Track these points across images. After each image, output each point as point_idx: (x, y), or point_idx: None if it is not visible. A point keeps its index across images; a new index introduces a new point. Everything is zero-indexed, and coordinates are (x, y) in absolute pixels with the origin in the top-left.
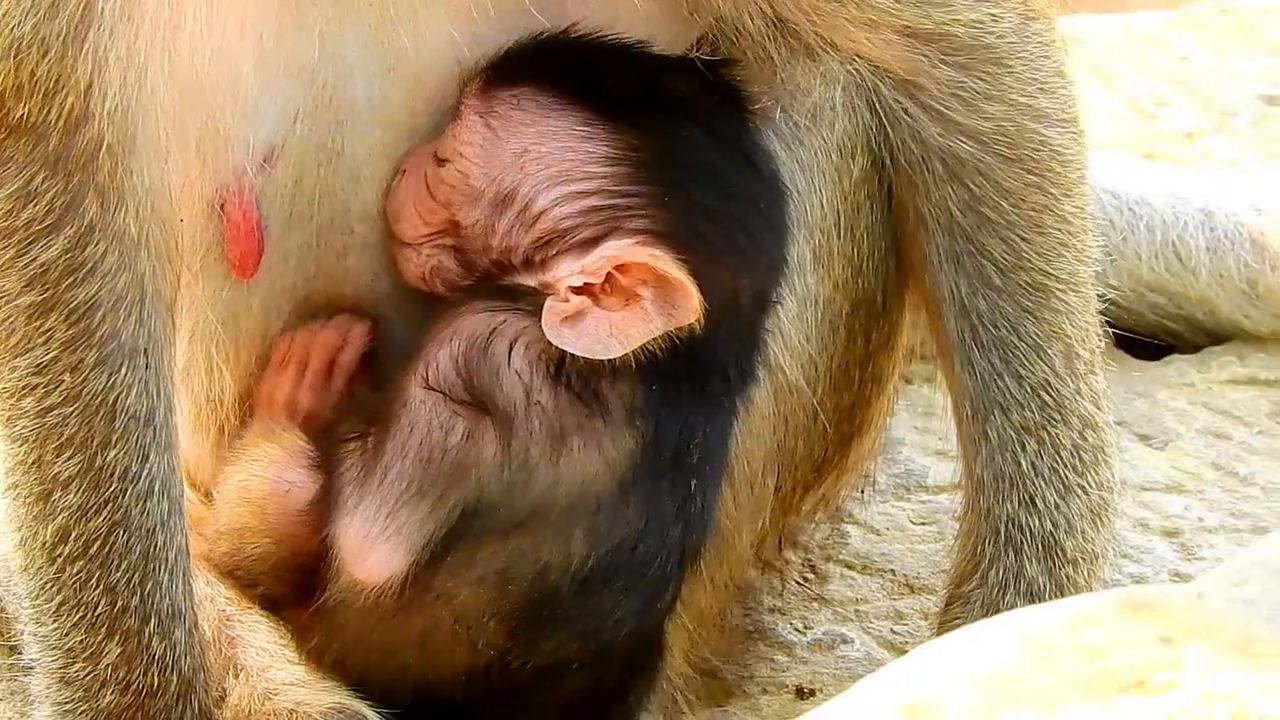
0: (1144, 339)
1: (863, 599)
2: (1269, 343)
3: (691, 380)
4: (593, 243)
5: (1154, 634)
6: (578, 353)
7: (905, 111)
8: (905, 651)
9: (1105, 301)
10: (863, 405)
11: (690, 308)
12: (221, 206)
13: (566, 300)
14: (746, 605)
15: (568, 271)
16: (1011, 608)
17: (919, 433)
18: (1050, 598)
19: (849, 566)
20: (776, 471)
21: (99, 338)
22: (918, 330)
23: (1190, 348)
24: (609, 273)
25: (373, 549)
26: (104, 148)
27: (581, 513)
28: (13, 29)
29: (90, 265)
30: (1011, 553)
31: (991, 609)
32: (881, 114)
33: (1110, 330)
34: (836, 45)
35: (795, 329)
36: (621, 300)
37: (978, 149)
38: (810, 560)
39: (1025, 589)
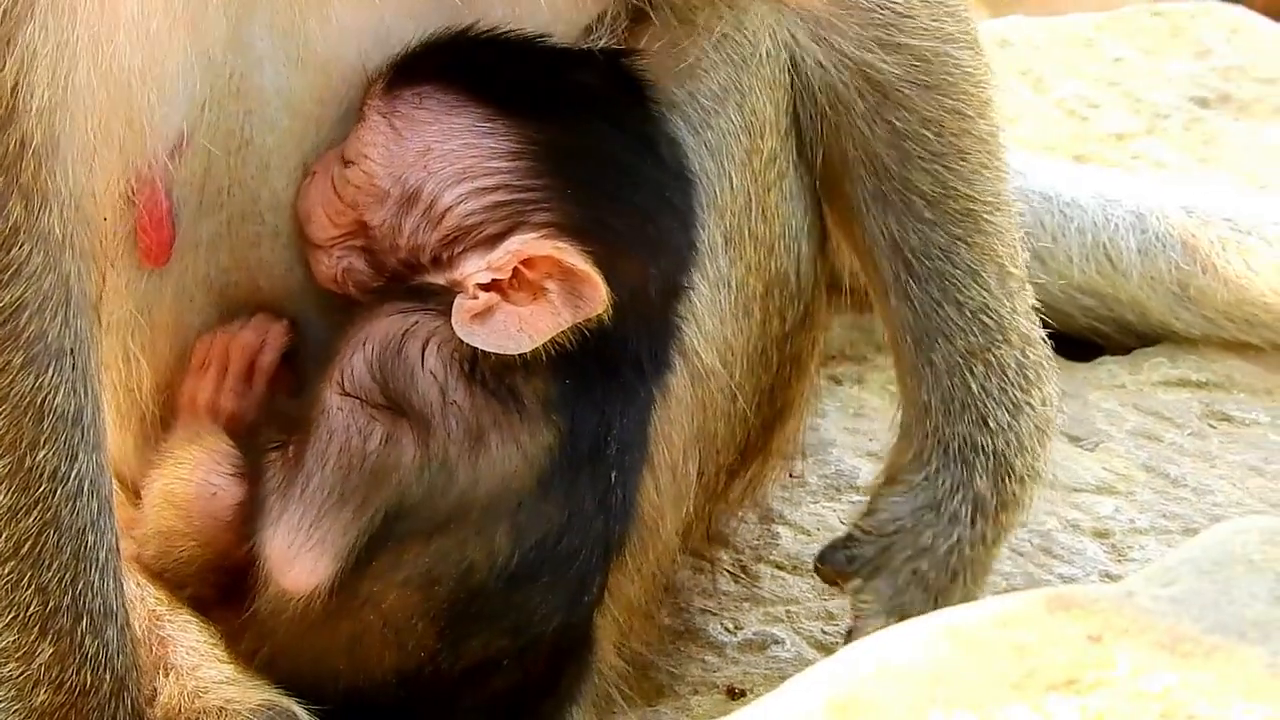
0: (1075, 340)
1: (793, 599)
2: (1200, 345)
3: (605, 372)
4: (498, 238)
5: (1083, 632)
6: (489, 349)
7: (825, 51)
8: (836, 652)
9: (1036, 302)
10: (782, 387)
11: (597, 298)
12: (132, 195)
13: (475, 297)
14: (677, 605)
15: (475, 268)
16: (957, 514)
17: (850, 434)
18: (997, 512)
19: (779, 567)
20: (698, 456)
21: (25, 339)
22: (845, 332)
23: (1121, 349)
24: (515, 267)
25: (298, 559)
26: (29, 148)
27: (503, 510)
28: None
29: (15, 267)
30: (962, 467)
31: (937, 508)
32: (802, 62)
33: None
34: None
35: (709, 313)
36: (529, 295)
37: (897, 77)
38: (741, 560)
39: (972, 500)
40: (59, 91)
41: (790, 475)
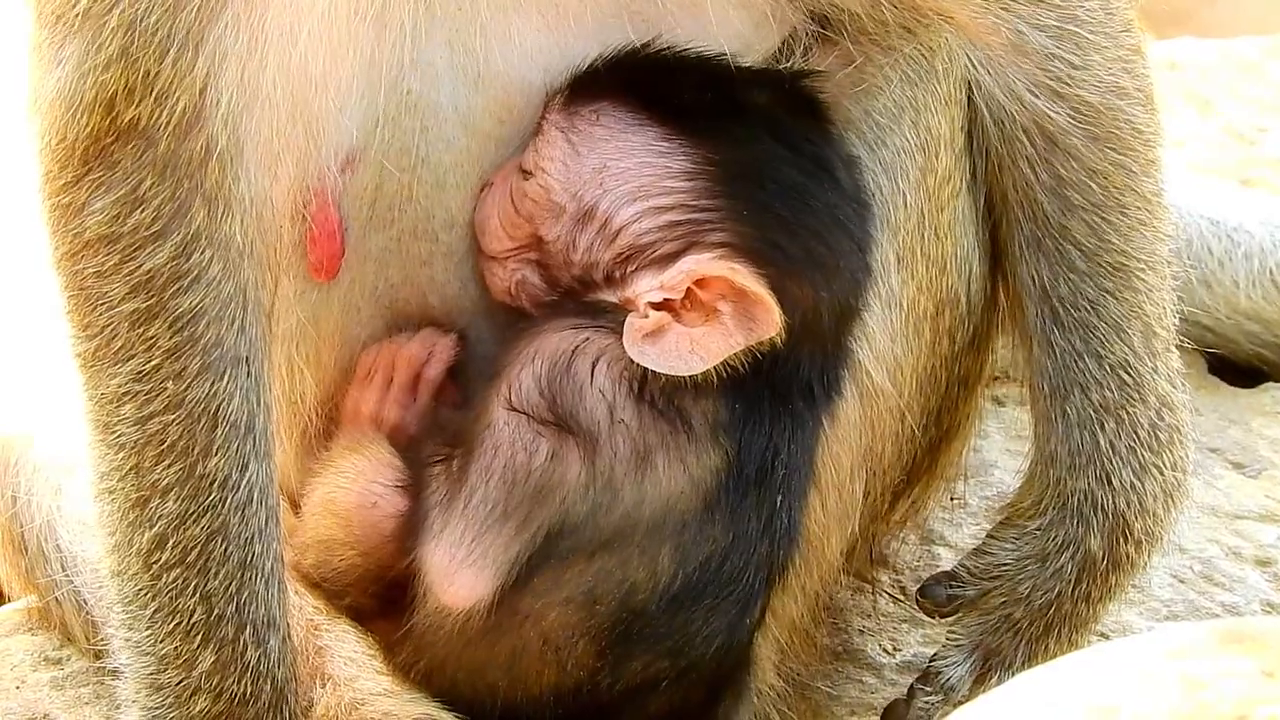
0: (1239, 366)
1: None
2: None
3: (775, 396)
4: (672, 258)
5: (1256, 666)
6: (659, 370)
7: (1004, 86)
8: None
9: (1200, 328)
10: (950, 408)
11: (770, 321)
12: (304, 208)
13: (647, 316)
14: (836, 626)
15: (647, 287)
16: (1062, 570)
17: (1011, 456)
18: (1107, 572)
19: None
20: (865, 476)
21: (203, 346)
22: (1009, 353)
23: None
24: (689, 288)
25: (459, 574)
26: (214, 153)
27: (668, 531)
28: (129, 26)
29: (195, 273)
30: (1078, 523)
31: (1042, 560)
32: (976, 89)
33: (1205, 356)
34: (927, 14)
35: (880, 332)
36: (701, 315)
37: (1069, 125)
38: (900, 581)
39: (1081, 557)
40: (246, 95)
41: (951, 497)
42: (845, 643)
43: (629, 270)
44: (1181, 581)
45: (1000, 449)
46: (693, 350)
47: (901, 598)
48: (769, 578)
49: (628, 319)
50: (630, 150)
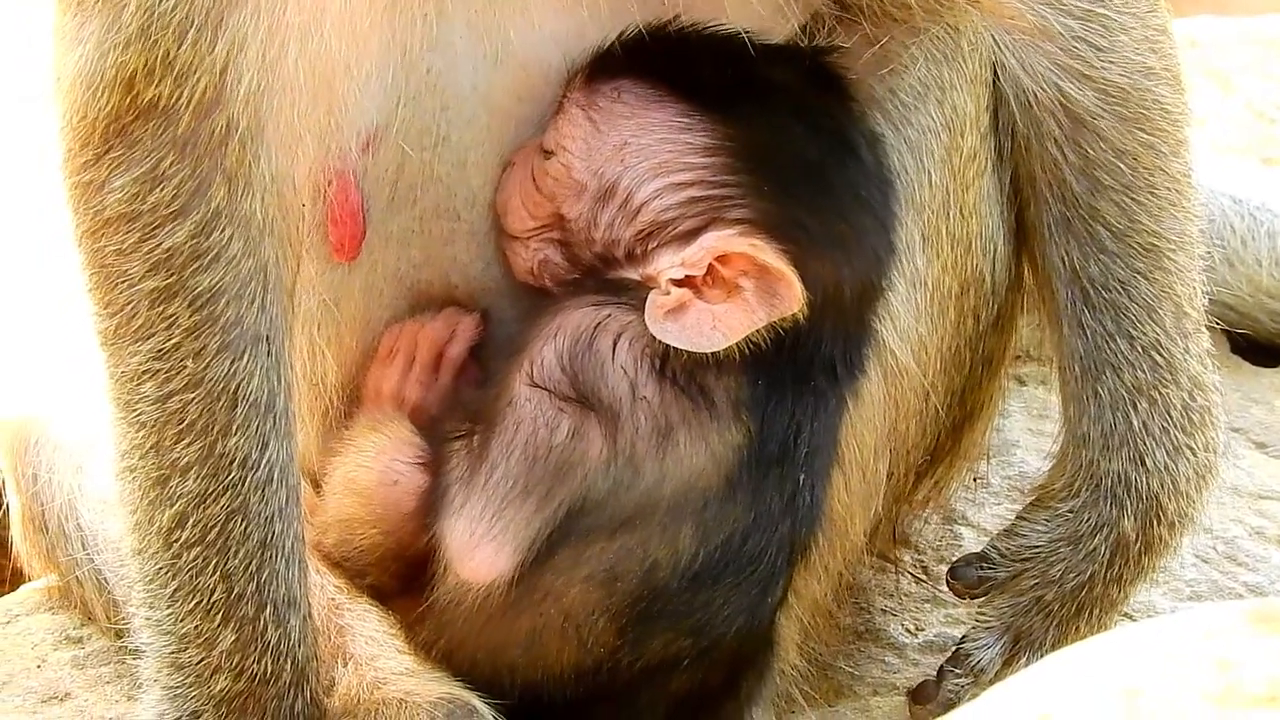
0: (1262, 345)
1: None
2: None
3: (797, 373)
4: (693, 234)
5: None
6: (681, 346)
7: (1029, 69)
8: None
9: (1223, 306)
10: (974, 388)
11: (793, 297)
12: (325, 189)
13: (668, 293)
14: (858, 605)
15: (669, 264)
16: (1095, 552)
17: (1033, 435)
18: (1140, 554)
19: None
20: (889, 456)
21: (222, 324)
22: (1031, 332)
23: None
24: (710, 264)
25: (479, 549)
26: (234, 132)
27: (689, 509)
28: (148, 8)
29: (215, 251)
30: (1111, 505)
31: (1075, 543)
32: (1002, 70)
33: (1227, 336)
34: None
35: (905, 311)
36: (723, 292)
37: (1097, 106)
38: (923, 561)
39: (1115, 539)
40: (266, 76)
41: (973, 476)
42: (867, 622)
43: (650, 247)
44: (1205, 561)
45: (1022, 428)
46: (714, 326)
47: (924, 577)
48: (791, 557)
49: (649, 295)
50: (651, 127)
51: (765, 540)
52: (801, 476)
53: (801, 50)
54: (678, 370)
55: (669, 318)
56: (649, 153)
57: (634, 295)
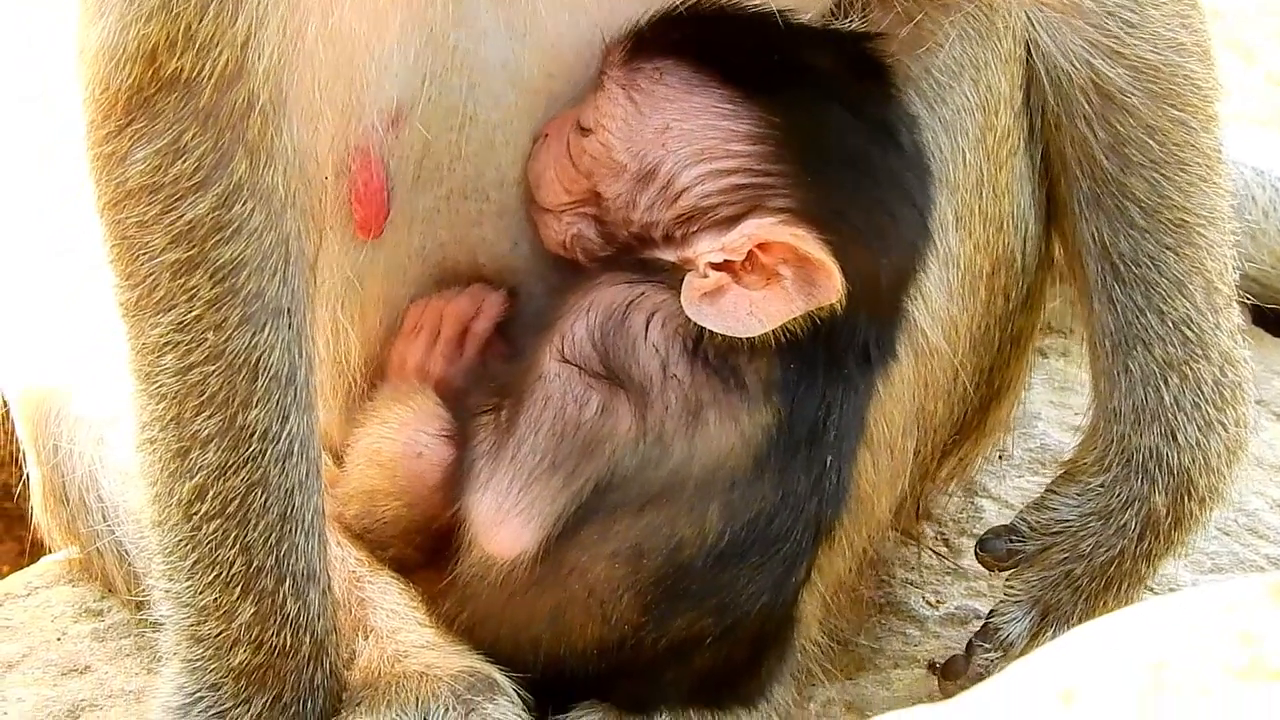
0: None
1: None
2: None
3: (829, 358)
4: (734, 220)
5: None
6: (716, 329)
7: (1061, 46)
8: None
9: (1245, 278)
10: (1001, 366)
11: (832, 288)
12: (350, 166)
13: (706, 276)
14: (879, 578)
15: (708, 248)
16: (1125, 527)
17: (1055, 407)
18: (1170, 530)
19: None
20: (916, 435)
21: (244, 297)
22: (1053, 302)
23: None
24: (750, 251)
25: (505, 523)
26: (256, 106)
27: (717, 488)
28: None
29: (237, 224)
30: (1142, 480)
31: (1106, 517)
32: (1035, 55)
33: (1249, 308)
34: None
35: (936, 290)
36: (762, 279)
37: (1129, 82)
38: (944, 534)
39: (1145, 514)
40: (288, 50)
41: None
42: (889, 595)
43: (690, 231)
44: (1226, 534)
45: (1044, 401)
46: (751, 312)
47: (945, 550)
48: (816, 537)
49: (687, 278)
50: (694, 112)
51: (791, 520)
52: (829, 458)
53: (842, 34)
54: (710, 351)
55: (705, 300)
56: (692, 138)
57: (668, 276)
